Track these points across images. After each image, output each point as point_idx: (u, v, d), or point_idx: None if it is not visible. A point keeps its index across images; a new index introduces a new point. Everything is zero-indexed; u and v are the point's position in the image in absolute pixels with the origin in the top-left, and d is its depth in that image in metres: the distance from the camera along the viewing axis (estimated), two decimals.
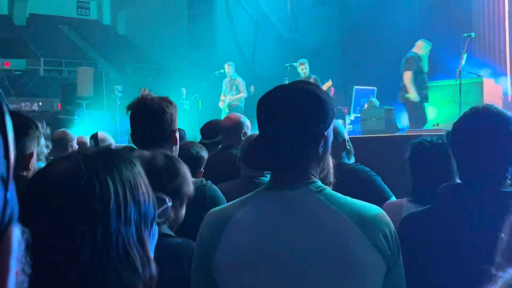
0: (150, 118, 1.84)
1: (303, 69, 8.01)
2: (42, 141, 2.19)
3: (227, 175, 2.55)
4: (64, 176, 0.69)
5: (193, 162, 2.31)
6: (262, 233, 1.18)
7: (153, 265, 0.73)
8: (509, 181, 1.47)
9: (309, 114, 1.19)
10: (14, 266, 0.43)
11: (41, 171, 0.74)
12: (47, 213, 0.67)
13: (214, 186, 2.04)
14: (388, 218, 1.21)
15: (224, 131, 3.01)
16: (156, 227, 0.79)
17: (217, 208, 1.36)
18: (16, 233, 0.44)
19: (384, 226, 1.17)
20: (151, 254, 0.74)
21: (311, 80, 7.83)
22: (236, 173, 2.50)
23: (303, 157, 1.19)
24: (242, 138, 2.89)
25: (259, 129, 1.23)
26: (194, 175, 2.30)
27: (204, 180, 2.05)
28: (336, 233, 1.14)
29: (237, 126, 2.95)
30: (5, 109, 0.44)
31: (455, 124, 1.52)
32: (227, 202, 1.54)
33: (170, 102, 1.90)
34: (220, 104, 8.89)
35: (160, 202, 0.80)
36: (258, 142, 1.23)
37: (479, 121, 1.46)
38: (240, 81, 8.82)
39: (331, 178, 1.83)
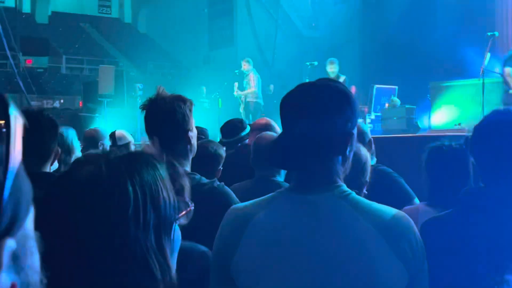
0: (161, 118, 1.82)
1: (331, 69, 7.95)
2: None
3: (251, 174, 2.55)
4: (85, 180, 0.69)
5: (211, 160, 2.32)
6: (283, 237, 1.16)
7: (173, 271, 0.73)
8: None
9: (339, 112, 1.15)
10: (7, 280, 0.39)
11: (64, 174, 0.74)
12: (67, 216, 0.67)
13: (226, 188, 1.98)
14: (413, 225, 1.17)
15: (252, 133, 3.02)
16: (178, 232, 0.78)
17: (239, 205, 1.34)
18: (10, 245, 0.42)
19: (409, 234, 1.14)
20: (172, 260, 0.74)
21: (341, 80, 7.80)
22: None
23: (331, 158, 1.16)
24: None
25: (284, 128, 1.20)
26: (212, 173, 2.32)
27: (217, 181, 2.01)
28: (358, 241, 1.12)
29: (266, 129, 2.95)
30: (11, 111, 0.39)
31: (476, 126, 1.50)
32: (241, 202, 1.52)
33: (184, 101, 1.85)
34: (235, 93, 8.96)
35: (182, 206, 0.80)
36: (283, 141, 1.19)
37: (499, 124, 1.45)
38: (252, 77, 8.80)
39: (367, 177, 1.82)
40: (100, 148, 3.25)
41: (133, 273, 0.67)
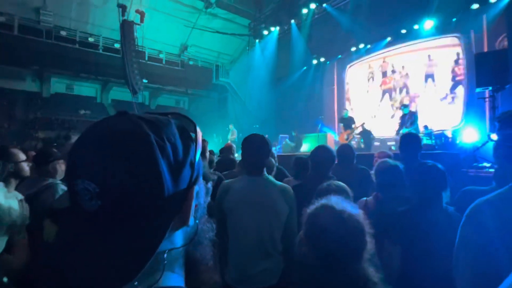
0: None
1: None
2: None
3: None
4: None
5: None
6: (243, 193, 2.41)
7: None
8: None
9: (266, 145, 2.47)
10: (194, 206, 0.74)
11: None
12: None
13: None
14: (290, 189, 2.44)
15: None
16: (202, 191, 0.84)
17: (226, 181, 2.62)
18: (196, 188, 0.74)
19: (290, 193, 2.41)
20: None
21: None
22: None
23: (264, 159, 2.43)
24: None
25: (246, 152, 2.49)
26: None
27: None
28: (270, 194, 2.39)
29: (229, 152, 5.43)
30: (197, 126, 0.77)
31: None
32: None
33: None
34: None
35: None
36: (248, 157, 2.46)
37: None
38: None
39: (275, 166, 3.78)
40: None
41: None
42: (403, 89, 14.69)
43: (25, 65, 17.59)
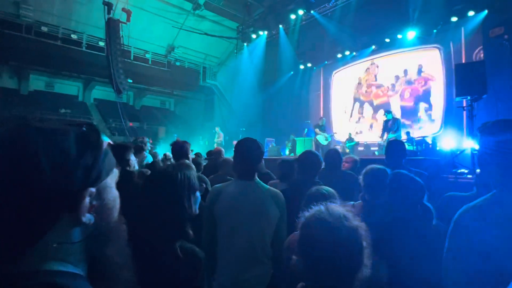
0: None
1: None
2: None
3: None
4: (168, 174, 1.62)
5: None
6: (235, 198, 2.40)
7: None
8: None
9: (259, 149, 2.43)
10: (89, 205, 0.78)
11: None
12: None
13: None
14: (281, 194, 2.46)
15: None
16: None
17: (218, 185, 2.58)
18: (91, 190, 0.79)
19: (281, 198, 2.42)
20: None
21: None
22: None
23: (255, 165, 2.46)
24: None
25: (238, 157, 2.47)
26: None
27: None
28: (263, 199, 2.39)
29: (220, 155, 5.50)
30: (104, 137, 0.82)
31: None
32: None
33: None
34: None
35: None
36: (239, 162, 2.46)
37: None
38: None
39: (264, 170, 4.61)
40: None
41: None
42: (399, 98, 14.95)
43: (2, 61, 17.23)
